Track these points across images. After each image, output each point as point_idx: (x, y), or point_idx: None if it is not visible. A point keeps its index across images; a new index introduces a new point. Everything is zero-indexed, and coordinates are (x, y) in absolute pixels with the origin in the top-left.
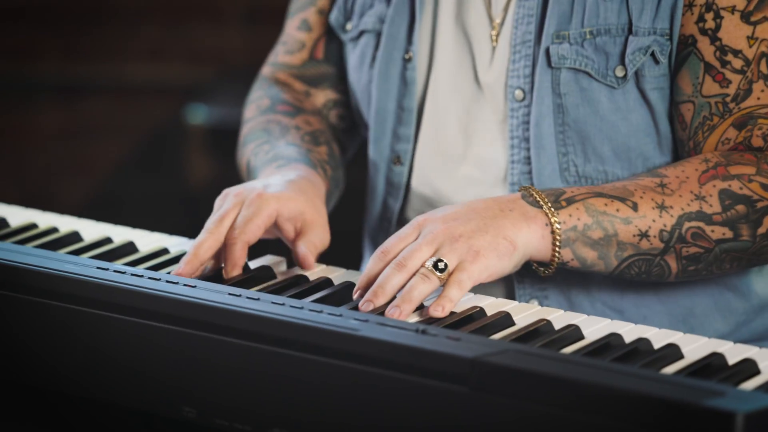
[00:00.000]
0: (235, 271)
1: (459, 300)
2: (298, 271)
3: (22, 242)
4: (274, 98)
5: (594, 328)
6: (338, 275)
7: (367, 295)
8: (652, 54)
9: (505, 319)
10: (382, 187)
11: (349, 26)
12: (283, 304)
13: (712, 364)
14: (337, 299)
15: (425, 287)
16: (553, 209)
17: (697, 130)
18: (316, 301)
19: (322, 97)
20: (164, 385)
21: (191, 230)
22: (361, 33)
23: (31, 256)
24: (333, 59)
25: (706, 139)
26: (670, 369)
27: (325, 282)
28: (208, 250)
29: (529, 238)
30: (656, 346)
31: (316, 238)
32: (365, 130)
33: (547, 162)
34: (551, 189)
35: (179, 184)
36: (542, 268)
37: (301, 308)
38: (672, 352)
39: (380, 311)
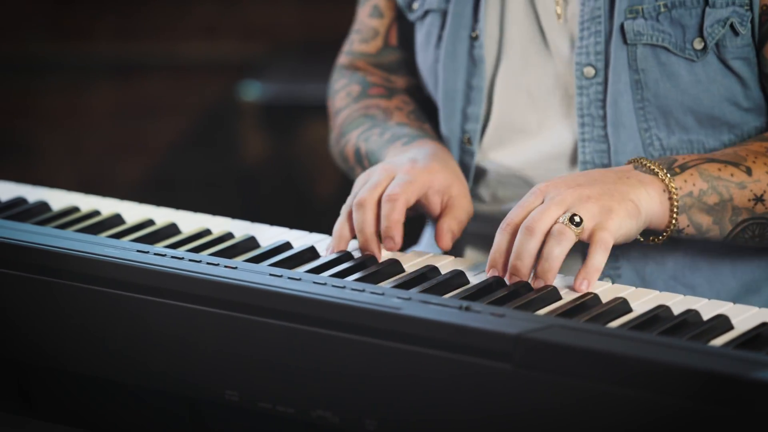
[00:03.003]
0: (396, 231)
1: (603, 266)
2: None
3: (64, 226)
4: (362, 83)
5: (642, 300)
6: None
7: (509, 271)
8: (731, 25)
9: (551, 294)
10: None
11: (415, 5)
12: (325, 284)
13: (762, 335)
14: (381, 278)
15: (562, 247)
16: (669, 175)
17: None
18: (358, 280)
19: (403, 83)
20: (206, 368)
21: (246, 208)
22: (426, 12)
23: (71, 241)
24: (408, 44)
25: None
26: (719, 341)
27: (370, 260)
28: (374, 224)
29: (649, 203)
30: (705, 317)
31: (462, 212)
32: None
33: (628, 139)
34: (662, 157)
35: (234, 162)
36: (653, 237)
37: (343, 288)
38: (721, 323)
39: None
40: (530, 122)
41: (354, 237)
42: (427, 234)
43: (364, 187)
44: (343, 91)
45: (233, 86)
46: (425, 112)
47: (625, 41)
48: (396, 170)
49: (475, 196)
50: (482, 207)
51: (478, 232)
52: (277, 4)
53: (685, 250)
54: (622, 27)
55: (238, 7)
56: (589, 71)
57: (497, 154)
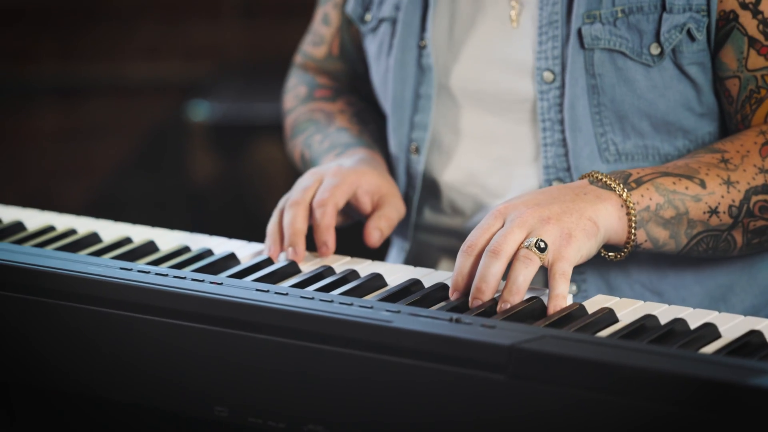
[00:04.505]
0: (329, 236)
1: (567, 292)
2: (319, 263)
3: (41, 245)
4: (310, 84)
5: (627, 310)
6: (364, 266)
7: (472, 293)
8: (688, 31)
9: (537, 305)
10: (403, 177)
11: (368, 17)
12: (312, 298)
13: (750, 342)
14: (364, 291)
15: (528, 271)
16: (626, 190)
17: (744, 103)
18: (344, 294)
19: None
20: (195, 385)
21: (196, 229)
22: (380, 22)
23: (52, 259)
24: (346, 56)
25: (755, 112)
26: (709, 349)
27: (352, 274)
28: (304, 221)
29: (608, 219)
30: (692, 326)
31: (392, 210)
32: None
33: (584, 143)
34: (616, 172)
35: (183, 183)
36: (613, 254)
37: (331, 302)
38: (709, 331)
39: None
40: (486, 128)
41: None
42: (393, 252)
43: (294, 190)
44: (292, 92)
45: (179, 107)
46: (374, 111)
47: (582, 46)
48: (323, 174)
49: (434, 208)
50: (445, 220)
51: (448, 246)
52: (221, 24)
53: (649, 257)
54: (579, 31)
55: (181, 28)
56: (548, 76)
57: (450, 163)
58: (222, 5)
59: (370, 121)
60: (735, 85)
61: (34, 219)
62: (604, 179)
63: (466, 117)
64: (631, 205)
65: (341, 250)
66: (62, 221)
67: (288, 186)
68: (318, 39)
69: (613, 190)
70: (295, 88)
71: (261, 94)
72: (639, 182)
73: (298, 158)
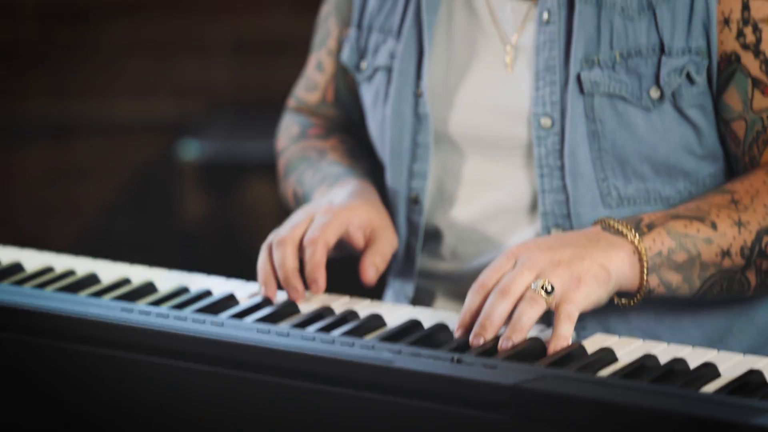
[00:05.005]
0: (319, 274)
1: (571, 334)
2: (317, 302)
3: (41, 286)
4: (302, 124)
5: (627, 349)
6: (363, 306)
7: (475, 330)
8: (688, 74)
9: (537, 344)
10: (404, 226)
11: (363, 65)
12: (313, 339)
13: (750, 382)
14: (364, 331)
15: (533, 311)
16: (637, 236)
17: (752, 145)
18: (344, 334)
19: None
20: (198, 426)
21: (187, 268)
22: (375, 70)
23: (53, 301)
24: (341, 103)
25: (762, 153)
26: (709, 388)
27: (351, 314)
28: (294, 259)
29: (620, 266)
30: (692, 365)
31: (386, 245)
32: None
33: (586, 189)
34: (628, 218)
35: (173, 221)
36: (625, 300)
37: (332, 342)
38: (709, 371)
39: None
40: (485, 175)
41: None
42: (389, 294)
43: (284, 227)
44: (285, 132)
45: (169, 145)
46: (364, 149)
47: (581, 91)
48: (315, 212)
49: (433, 254)
50: (443, 265)
51: (446, 290)
52: (211, 62)
53: (647, 302)
54: (578, 77)
55: (171, 66)
56: (546, 122)
57: (452, 210)
58: (212, 43)
59: (361, 156)
60: (741, 127)
61: (32, 259)
62: (616, 225)
63: (465, 164)
64: (643, 251)
65: (335, 287)
66: (61, 262)
67: (279, 225)
68: (311, 85)
69: (625, 236)
70: (288, 128)
71: (251, 132)
72: (651, 226)
73: (291, 197)
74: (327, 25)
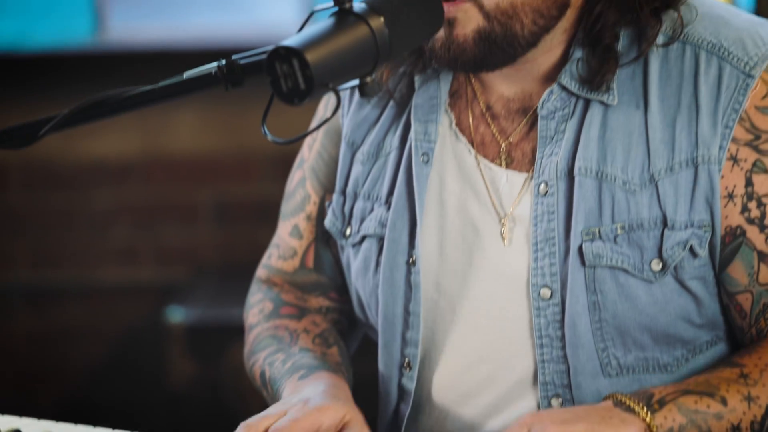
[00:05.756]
0: None
1: None
2: None
3: None
4: (276, 301)
5: None
6: None
7: None
8: (691, 248)
9: None
10: (395, 392)
11: (348, 232)
12: None
13: None
14: None
15: None
16: (649, 413)
17: (759, 318)
18: None
19: (316, 303)
20: None
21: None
22: (364, 238)
23: None
24: (322, 268)
25: None
26: None
27: None
28: None
29: None
30: None
31: None
32: (375, 334)
33: (587, 360)
34: (639, 392)
35: (159, 386)
36: None
37: None
38: None
39: None
40: (483, 344)
41: None
42: None
43: (254, 417)
44: (256, 307)
45: (154, 310)
46: (337, 332)
47: (583, 263)
48: (288, 408)
49: (423, 425)
50: None
51: None
52: (194, 227)
53: None
54: (580, 249)
55: (154, 231)
56: (546, 292)
57: (446, 377)
58: (196, 208)
59: (333, 343)
60: (747, 300)
61: (31, 426)
62: (627, 402)
63: (459, 333)
64: (655, 429)
65: None
66: (59, 428)
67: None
68: (288, 253)
69: (637, 414)
70: (261, 303)
71: (237, 296)
72: (662, 402)
73: (257, 375)
74: (304, 191)
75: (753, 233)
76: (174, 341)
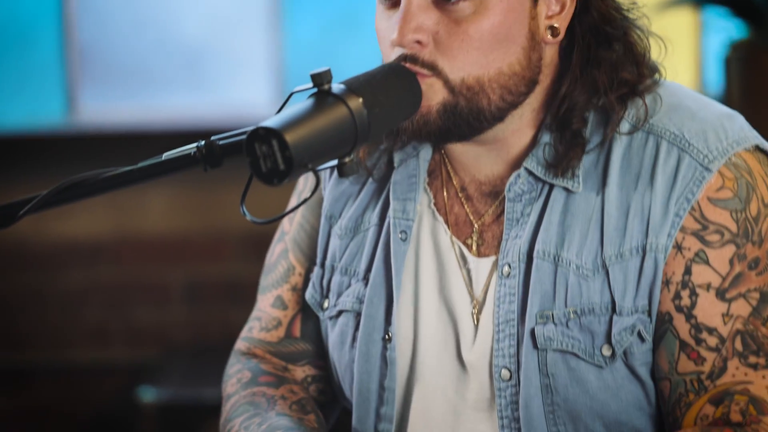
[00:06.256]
0: None
1: None
2: None
3: None
4: (254, 370)
5: None
6: None
7: None
8: (639, 333)
9: None
10: None
11: (326, 304)
12: None
13: None
14: None
15: None
16: None
17: (674, 406)
18: None
19: (301, 372)
20: None
21: None
22: (340, 312)
23: None
24: (310, 336)
25: (684, 416)
26: None
27: None
28: None
29: None
30: None
31: None
32: (349, 405)
33: None
34: None
35: None
36: None
37: None
38: None
39: None
40: (450, 423)
41: None
42: None
43: None
44: (234, 377)
45: (126, 390)
46: (320, 404)
47: (535, 345)
48: None
49: None
50: None
51: None
52: (165, 307)
53: None
54: (532, 332)
55: (126, 311)
56: (505, 374)
57: None
58: (167, 288)
59: (310, 411)
60: (666, 387)
61: None
62: None
63: (431, 410)
64: None
65: None
66: None
67: None
68: (271, 324)
69: None
70: (239, 373)
71: (207, 376)
72: None
73: None
74: (287, 262)
75: (679, 321)
76: (146, 421)
